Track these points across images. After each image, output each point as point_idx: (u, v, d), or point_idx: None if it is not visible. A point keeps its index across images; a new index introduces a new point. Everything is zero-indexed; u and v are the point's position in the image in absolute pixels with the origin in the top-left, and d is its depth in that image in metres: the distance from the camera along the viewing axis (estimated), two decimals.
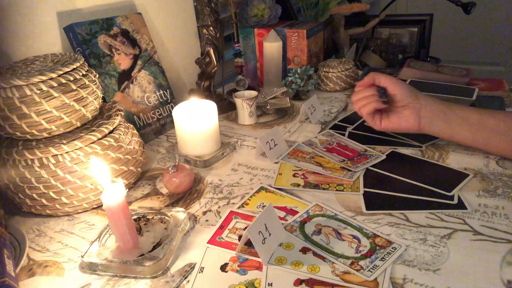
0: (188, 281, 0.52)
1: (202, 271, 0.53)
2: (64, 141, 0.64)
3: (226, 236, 0.59)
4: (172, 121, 0.91)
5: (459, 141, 0.75)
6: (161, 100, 0.97)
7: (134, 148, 0.74)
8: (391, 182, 0.69)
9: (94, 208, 0.69)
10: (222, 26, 1.00)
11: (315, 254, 0.54)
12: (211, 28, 0.97)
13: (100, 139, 0.67)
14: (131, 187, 0.75)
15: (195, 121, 0.78)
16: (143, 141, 0.83)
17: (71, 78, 0.64)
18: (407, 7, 2.75)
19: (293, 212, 0.64)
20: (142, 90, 0.93)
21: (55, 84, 0.61)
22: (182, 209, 0.63)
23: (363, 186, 0.69)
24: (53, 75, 0.61)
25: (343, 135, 0.88)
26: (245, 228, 0.60)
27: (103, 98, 0.74)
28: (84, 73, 0.67)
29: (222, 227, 0.61)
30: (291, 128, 0.94)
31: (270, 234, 0.55)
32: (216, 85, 1.10)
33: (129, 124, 0.78)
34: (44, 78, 0.60)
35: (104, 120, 0.71)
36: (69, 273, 0.55)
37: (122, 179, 0.69)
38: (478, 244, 0.54)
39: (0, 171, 0.65)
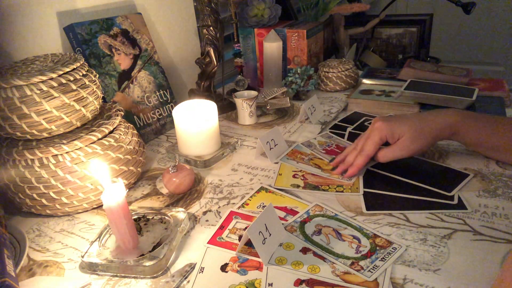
0: (188, 281, 0.52)
1: (202, 271, 0.53)
2: (64, 141, 0.64)
3: (226, 236, 0.59)
4: (172, 121, 0.91)
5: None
6: (161, 100, 0.97)
7: (134, 148, 0.74)
8: (391, 182, 0.69)
9: (94, 208, 0.69)
10: (222, 26, 1.00)
11: (315, 254, 0.54)
12: (211, 28, 0.97)
13: (100, 139, 0.67)
14: (131, 187, 0.75)
15: (195, 121, 0.78)
16: (143, 141, 0.83)
17: (71, 78, 0.64)
18: (407, 7, 2.74)
19: (293, 212, 0.64)
20: (142, 90, 0.93)
21: (55, 84, 0.61)
22: (182, 209, 0.63)
23: (363, 187, 0.69)
24: (53, 75, 0.61)
25: (343, 135, 0.88)
26: (245, 228, 0.60)
27: (103, 98, 0.74)
28: (84, 73, 0.67)
29: (222, 227, 0.61)
30: (291, 128, 0.94)
31: (270, 234, 0.55)
32: (216, 85, 1.10)
33: (129, 124, 0.78)
34: (44, 78, 0.60)
35: (104, 120, 0.71)
36: (69, 273, 0.55)
37: (122, 179, 0.69)
38: (478, 244, 0.54)
39: (0, 171, 0.65)
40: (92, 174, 0.65)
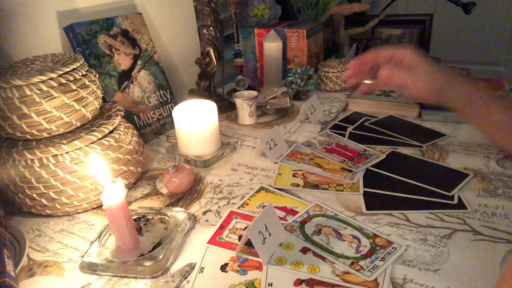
0: (188, 281, 0.52)
1: (202, 271, 0.53)
2: (64, 141, 0.64)
3: (226, 236, 0.59)
4: (172, 121, 0.91)
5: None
6: (161, 100, 0.97)
7: (134, 148, 0.74)
8: (391, 182, 0.69)
9: (94, 208, 0.69)
10: (222, 26, 1.00)
11: (315, 254, 0.54)
12: (211, 28, 0.97)
13: (100, 139, 0.67)
14: (131, 187, 0.75)
15: (195, 121, 0.78)
16: (143, 141, 0.83)
17: (71, 78, 0.64)
18: (407, 7, 2.74)
19: (293, 212, 0.64)
20: (142, 90, 0.93)
21: (55, 84, 0.61)
22: (182, 209, 0.63)
23: (363, 186, 0.69)
24: (53, 75, 0.61)
25: (344, 135, 0.88)
26: (245, 228, 0.60)
27: (103, 98, 0.74)
28: (84, 73, 0.67)
29: (222, 227, 0.61)
30: (291, 128, 0.94)
31: (270, 234, 0.55)
32: (216, 85, 1.10)
33: (129, 124, 0.78)
34: (44, 78, 0.60)
35: (104, 120, 0.71)
36: (69, 273, 0.55)
37: (122, 179, 0.69)
38: (478, 244, 0.54)
39: (0, 171, 0.65)
40: (92, 172, 0.65)
